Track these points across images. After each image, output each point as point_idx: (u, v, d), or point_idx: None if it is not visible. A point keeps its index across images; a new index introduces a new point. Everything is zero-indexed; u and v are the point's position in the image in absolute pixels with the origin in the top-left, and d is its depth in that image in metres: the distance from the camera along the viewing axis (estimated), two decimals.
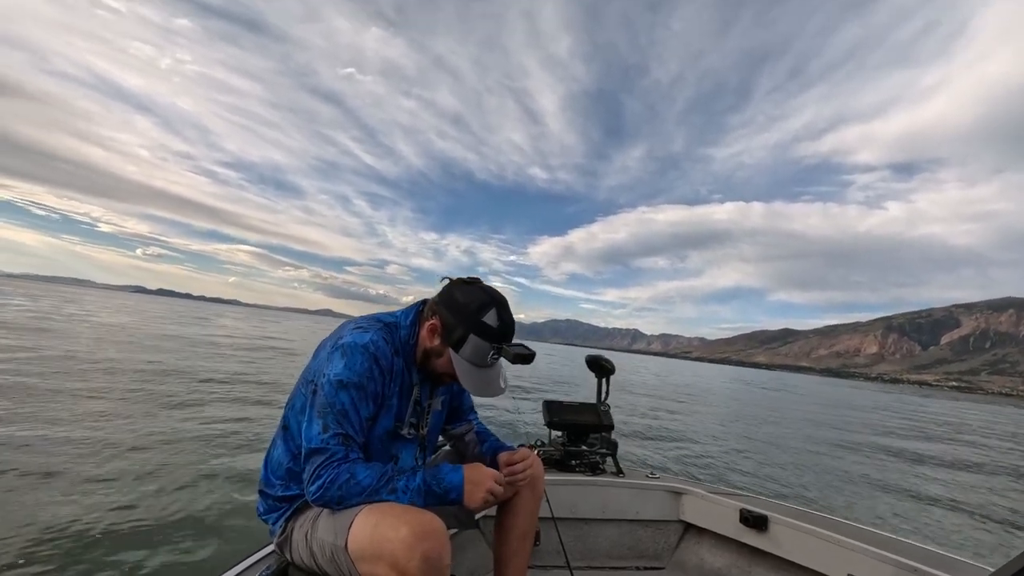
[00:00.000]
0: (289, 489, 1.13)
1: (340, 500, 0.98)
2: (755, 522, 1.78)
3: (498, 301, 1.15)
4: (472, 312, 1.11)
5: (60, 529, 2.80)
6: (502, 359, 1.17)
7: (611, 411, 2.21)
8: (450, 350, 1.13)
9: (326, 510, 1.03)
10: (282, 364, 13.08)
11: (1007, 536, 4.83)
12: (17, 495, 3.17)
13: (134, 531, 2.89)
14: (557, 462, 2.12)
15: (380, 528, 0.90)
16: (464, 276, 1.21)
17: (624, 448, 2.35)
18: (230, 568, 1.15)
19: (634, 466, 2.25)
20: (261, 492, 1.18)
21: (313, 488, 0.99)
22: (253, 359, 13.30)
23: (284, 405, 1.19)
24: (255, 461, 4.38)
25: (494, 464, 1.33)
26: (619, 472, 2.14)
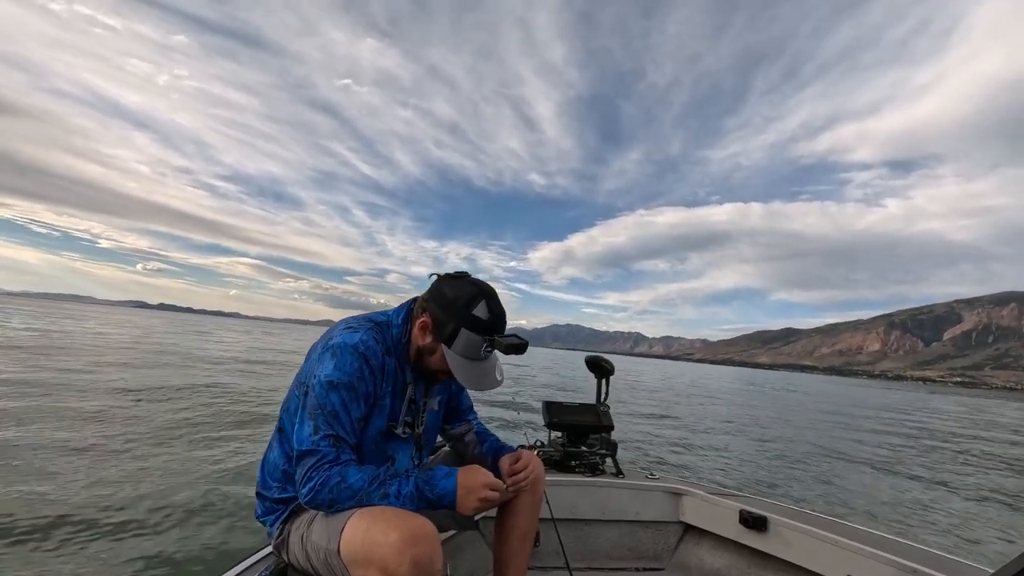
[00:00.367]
0: (285, 491, 1.12)
1: (331, 503, 0.98)
2: (755, 523, 1.78)
3: (487, 293, 1.13)
4: (462, 306, 1.10)
5: (60, 529, 2.82)
6: (496, 352, 1.15)
7: (611, 412, 2.21)
8: (442, 346, 1.12)
9: (320, 513, 1.03)
10: (281, 374, 13.07)
11: (1008, 536, 4.78)
12: (18, 497, 3.18)
13: (135, 532, 2.91)
14: (557, 463, 2.11)
15: (371, 533, 0.90)
16: (452, 271, 1.19)
17: (624, 449, 2.34)
18: (229, 569, 1.15)
19: (634, 467, 2.25)
20: (259, 494, 1.18)
21: (304, 491, 0.99)
22: (253, 371, 13.31)
23: (279, 407, 1.20)
24: (255, 465, 4.40)
25: (495, 465, 1.32)
26: (619, 473, 2.13)
